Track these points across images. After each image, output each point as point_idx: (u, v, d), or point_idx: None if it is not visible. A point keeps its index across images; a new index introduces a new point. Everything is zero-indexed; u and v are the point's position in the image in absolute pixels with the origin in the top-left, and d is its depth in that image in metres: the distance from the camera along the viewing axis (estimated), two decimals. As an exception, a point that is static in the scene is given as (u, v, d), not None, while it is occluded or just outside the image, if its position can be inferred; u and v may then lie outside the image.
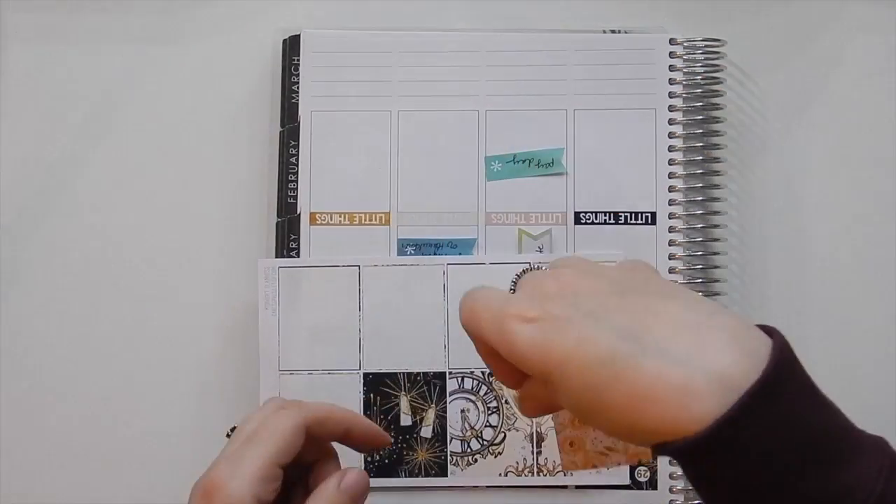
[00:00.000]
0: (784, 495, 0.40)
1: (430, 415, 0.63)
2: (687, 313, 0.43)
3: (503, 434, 0.63)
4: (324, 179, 0.63)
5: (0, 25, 0.66)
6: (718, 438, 0.40)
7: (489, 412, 0.63)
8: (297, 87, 0.64)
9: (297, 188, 0.63)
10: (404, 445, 0.63)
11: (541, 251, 0.63)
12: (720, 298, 0.64)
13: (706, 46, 0.64)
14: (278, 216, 0.64)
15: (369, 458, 0.62)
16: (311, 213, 0.63)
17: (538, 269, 0.59)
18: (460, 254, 0.63)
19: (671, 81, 0.64)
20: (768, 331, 0.43)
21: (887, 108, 0.66)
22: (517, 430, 0.63)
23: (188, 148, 0.66)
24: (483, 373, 0.63)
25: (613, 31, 0.65)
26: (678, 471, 0.62)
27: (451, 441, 0.63)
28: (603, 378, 0.42)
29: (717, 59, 0.64)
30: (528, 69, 0.64)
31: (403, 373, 0.63)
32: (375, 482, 0.61)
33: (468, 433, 0.63)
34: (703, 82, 0.64)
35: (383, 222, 0.63)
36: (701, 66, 0.64)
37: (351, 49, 0.64)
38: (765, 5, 0.66)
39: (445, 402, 0.63)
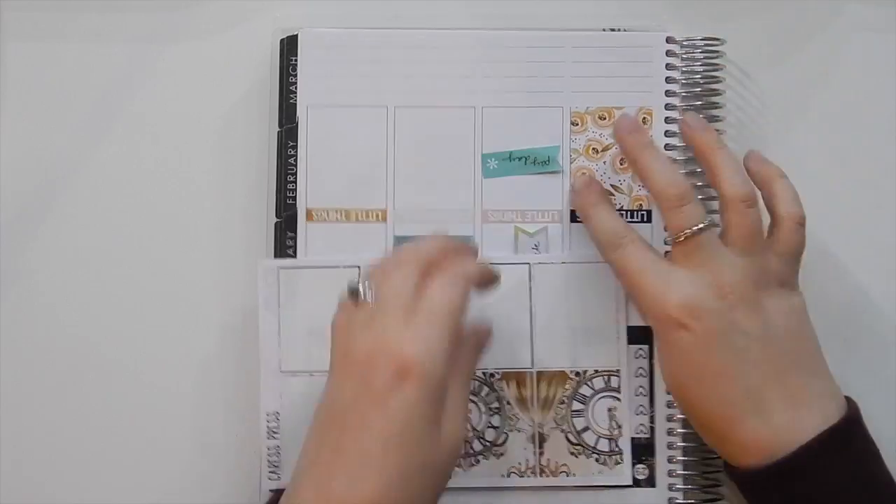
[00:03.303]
0: None
1: None
2: (801, 389, 0.55)
3: (505, 435, 0.62)
4: (321, 176, 0.63)
5: None
6: (784, 469, 0.53)
7: (491, 413, 0.63)
8: (295, 88, 0.64)
9: (296, 189, 0.63)
10: None
11: (537, 248, 0.63)
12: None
13: (705, 45, 0.64)
14: (277, 217, 0.64)
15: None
16: (307, 210, 0.63)
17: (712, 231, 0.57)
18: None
19: (668, 80, 0.63)
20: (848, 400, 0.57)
21: (887, 108, 0.65)
22: (519, 431, 0.62)
23: (187, 148, 0.66)
24: (484, 373, 0.62)
25: (612, 30, 0.65)
26: (677, 469, 0.62)
27: None
28: (715, 408, 0.55)
29: (716, 58, 0.64)
30: (524, 66, 0.64)
31: None
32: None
33: (470, 434, 0.62)
34: (702, 81, 0.64)
35: (380, 219, 0.63)
36: (700, 65, 0.64)
37: (348, 46, 0.64)
38: (764, 4, 0.66)
39: None
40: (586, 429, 0.62)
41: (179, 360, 0.65)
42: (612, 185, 0.63)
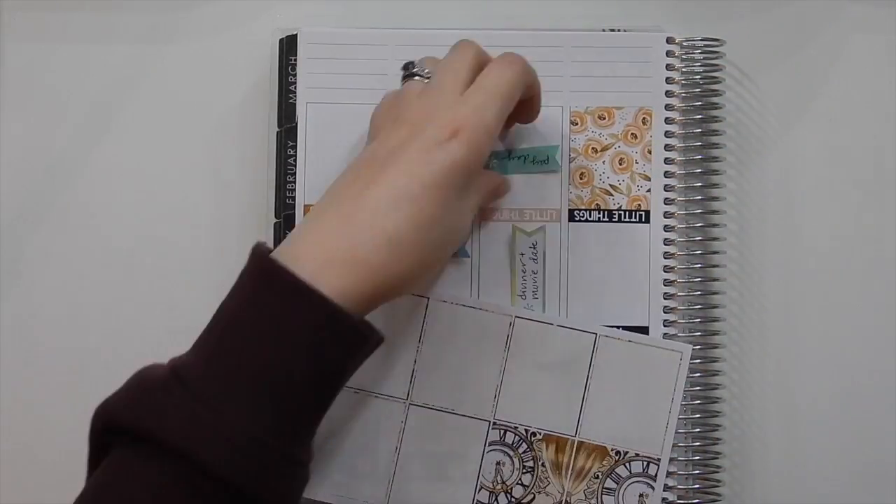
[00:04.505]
0: None
1: None
2: None
3: (532, 495, 0.62)
4: (319, 173, 0.63)
5: None
6: None
7: (524, 471, 0.62)
8: (294, 88, 0.64)
9: (295, 189, 0.63)
10: None
11: (534, 248, 0.63)
12: (717, 298, 0.63)
13: (705, 46, 0.64)
14: (276, 217, 0.64)
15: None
16: (305, 206, 0.63)
17: None
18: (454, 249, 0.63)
19: (668, 81, 0.63)
20: None
21: (887, 108, 0.65)
22: (547, 495, 0.62)
23: (186, 148, 0.66)
24: (526, 430, 0.62)
25: (612, 30, 0.65)
26: (671, 468, 0.62)
27: (479, 490, 0.62)
28: None
29: (715, 58, 0.64)
30: (523, 66, 0.64)
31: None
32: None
33: (498, 486, 0.62)
34: (701, 82, 0.64)
35: (377, 216, 0.63)
36: (700, 66, 0.64)
37: (347, 45, 0.64)
38: (764, 5, 0.66)
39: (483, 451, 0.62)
40: None
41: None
42: (610, 185, 0.63)
